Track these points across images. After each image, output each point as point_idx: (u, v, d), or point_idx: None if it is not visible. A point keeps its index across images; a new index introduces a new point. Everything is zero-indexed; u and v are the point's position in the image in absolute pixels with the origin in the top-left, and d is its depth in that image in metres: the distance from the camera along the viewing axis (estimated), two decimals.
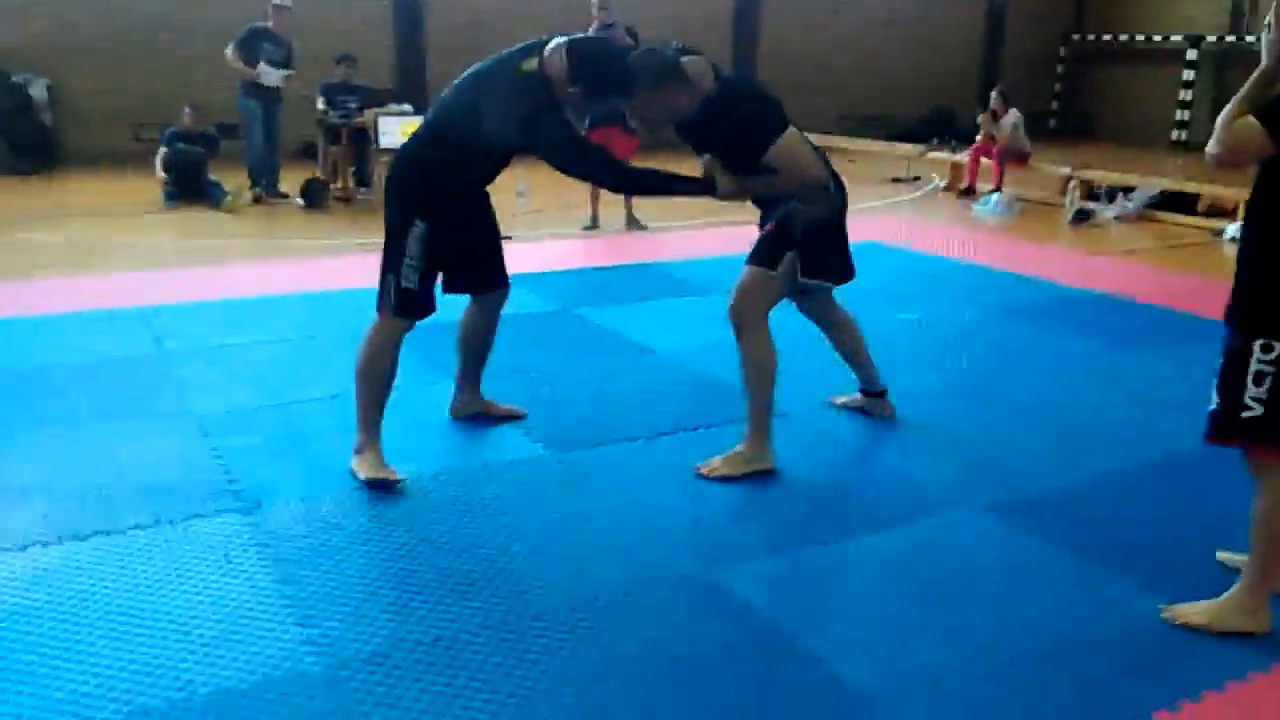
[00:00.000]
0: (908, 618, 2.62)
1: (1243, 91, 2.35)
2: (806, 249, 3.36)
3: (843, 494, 3.42)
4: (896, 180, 11.31)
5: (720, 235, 7.33)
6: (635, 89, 3.15)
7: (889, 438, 3.84)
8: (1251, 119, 2.27)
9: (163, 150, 8.84)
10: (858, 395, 4.03)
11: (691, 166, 3.35)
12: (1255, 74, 2.36)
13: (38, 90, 10.69)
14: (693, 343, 4.83)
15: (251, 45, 8.81)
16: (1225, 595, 2.58)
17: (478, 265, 3.58)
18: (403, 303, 3.30)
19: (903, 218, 9.07)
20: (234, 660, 2.37)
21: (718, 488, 3.35)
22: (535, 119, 3.11)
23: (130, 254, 6.89)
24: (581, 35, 3.28)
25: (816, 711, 2.25)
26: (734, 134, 3.24)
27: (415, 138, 3.35)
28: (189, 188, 8.71)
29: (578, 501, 3.25)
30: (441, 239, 3.28)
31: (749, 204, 3.56)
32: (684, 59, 3.20)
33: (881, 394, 3.98)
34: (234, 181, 8.88)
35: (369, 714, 2.19)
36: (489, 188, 3.52)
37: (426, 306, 3.35)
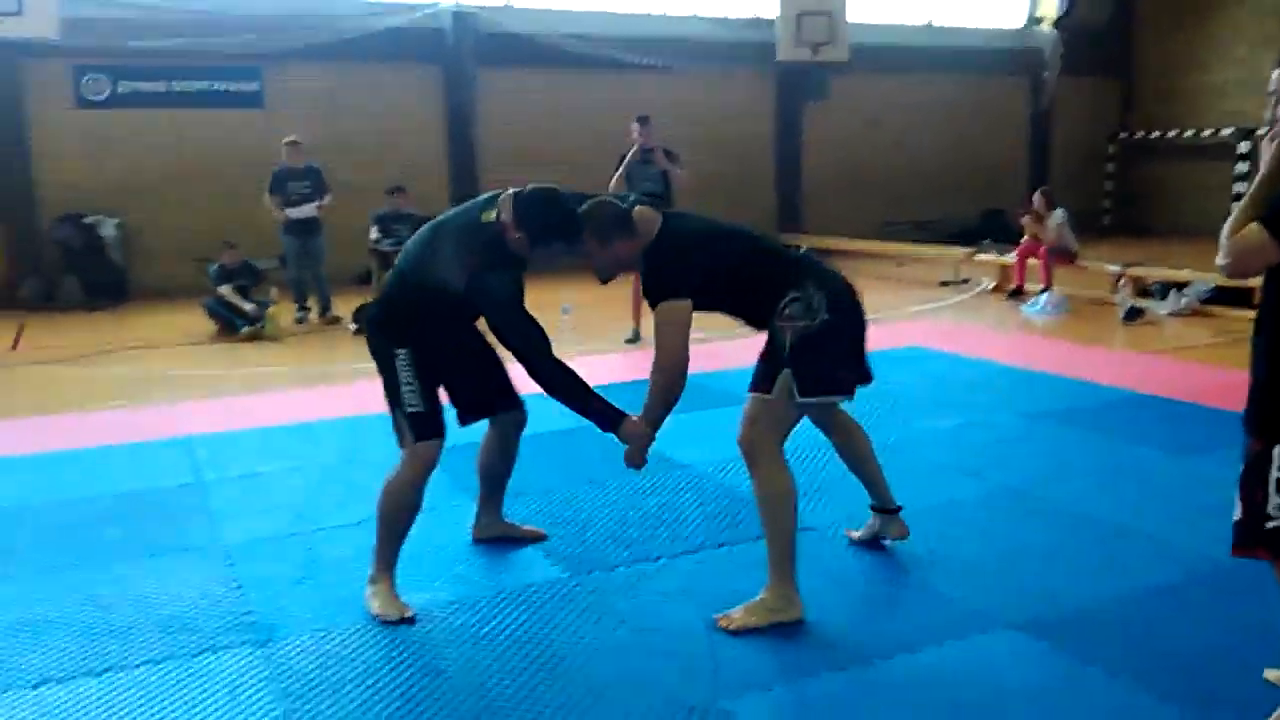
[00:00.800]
0: None
1: (1245, 199, 2.27)
2: (800, 367, 3.13)
3: (866, 614, 3.30)
4: (945, 284, 11.25)
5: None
6: (582, 236, 3.15)
7: (920, 552, 3.70)
8: (1255, 226, 2.20)
9: (214, 287, 9.15)
10: (871, 521, 3.75)
11: None
12: (1256, 180, 2.29)
13: (108, 230, 11.21)
14: (721, 455, 4.76)
15: (279, 185, 9.32)
16: (1271, 717, 2.41)
17: (480, 389, 3.58)
18: (417, 427, 3.30)
19: (949, 321, 8.98)
20: None
21: (732, 605, 3.24)
22: (482, 274, 3.15)
23: (185, 384, 7.08)
24: (535, 184, 3.30)
25: None
26: (646, 288, 3.19)
27: (389, 280, 3.45)
28: (243, 315, 8.97)
29: (594, 628, 3.18)
30: (427, 361, 3.31)
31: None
32: (636, 209, 3.20)
33: (895, 512, 3.70)
34: (284, 307, 9.21)
35: None
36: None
37: (441, 426, 3.34)
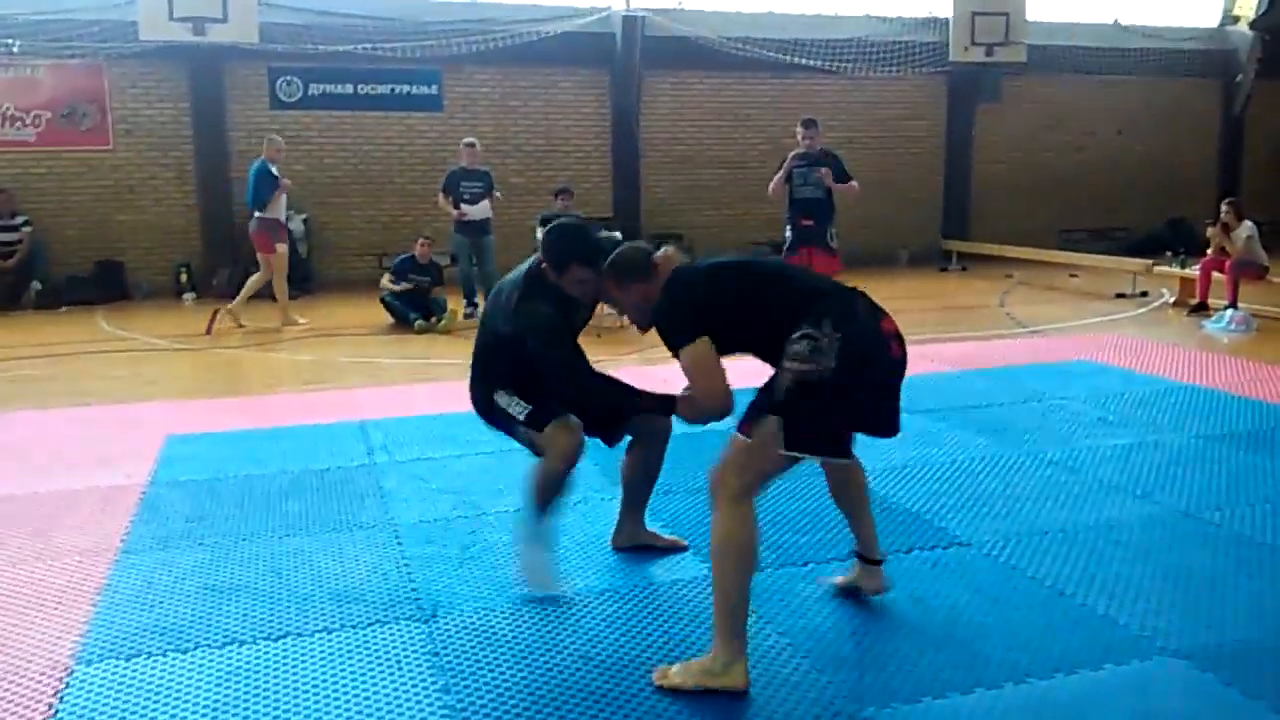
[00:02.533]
0: None
1: None
2: (790, 417, 2.82)
3: (1022, 632, 3.21)
4: (1121, 296, 10.76)
5: (922, 352, 7.17)
6: (597, 261, 3.20)
7: (1081, 574, 3.59)
8: None
9: (388, 277, 9.62)
10: (851, 570, 3.46)
11: None
12: None
13: (295, 225, 11.90)
14: (872, 464, 4.70)
15: (453, 185, 9.66)
16: None
17: (597, 418, 3.61)
18: (534, 420, 3.48)
19: (1125, 335, 8.59)
20: None
21: (882, 615, 3.25)
22: (520, 306, 3.31)
23: (361, 371, 7.50)
24: (566, 216, 3.47)
25: None
26: (658, 330, 3.02)
27: (477, 342, 3.67)
28: (419, 310, 9.41)
29: None
30: (527, 386, 3.52)
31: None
32: (661, 251, 3.16)
33: (877, 563, 3.37)
34: (454, 303, 9.61)
35: None
36: None
37: (557, 410, 3.47)
